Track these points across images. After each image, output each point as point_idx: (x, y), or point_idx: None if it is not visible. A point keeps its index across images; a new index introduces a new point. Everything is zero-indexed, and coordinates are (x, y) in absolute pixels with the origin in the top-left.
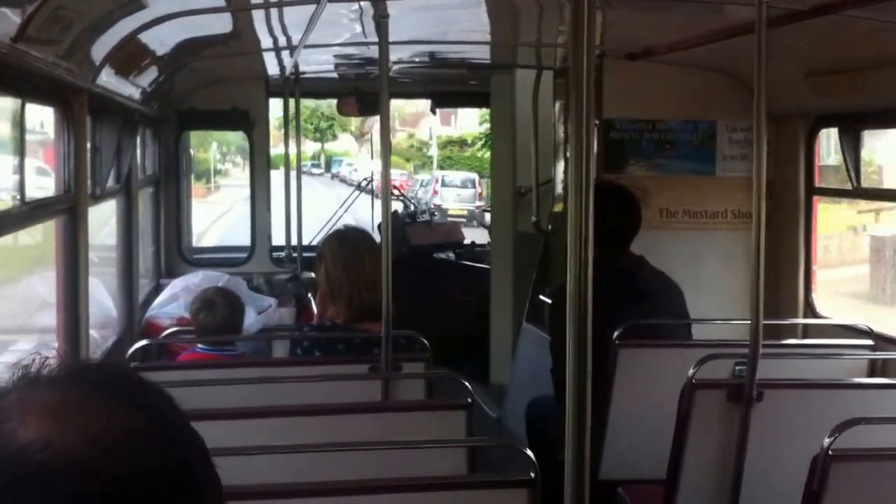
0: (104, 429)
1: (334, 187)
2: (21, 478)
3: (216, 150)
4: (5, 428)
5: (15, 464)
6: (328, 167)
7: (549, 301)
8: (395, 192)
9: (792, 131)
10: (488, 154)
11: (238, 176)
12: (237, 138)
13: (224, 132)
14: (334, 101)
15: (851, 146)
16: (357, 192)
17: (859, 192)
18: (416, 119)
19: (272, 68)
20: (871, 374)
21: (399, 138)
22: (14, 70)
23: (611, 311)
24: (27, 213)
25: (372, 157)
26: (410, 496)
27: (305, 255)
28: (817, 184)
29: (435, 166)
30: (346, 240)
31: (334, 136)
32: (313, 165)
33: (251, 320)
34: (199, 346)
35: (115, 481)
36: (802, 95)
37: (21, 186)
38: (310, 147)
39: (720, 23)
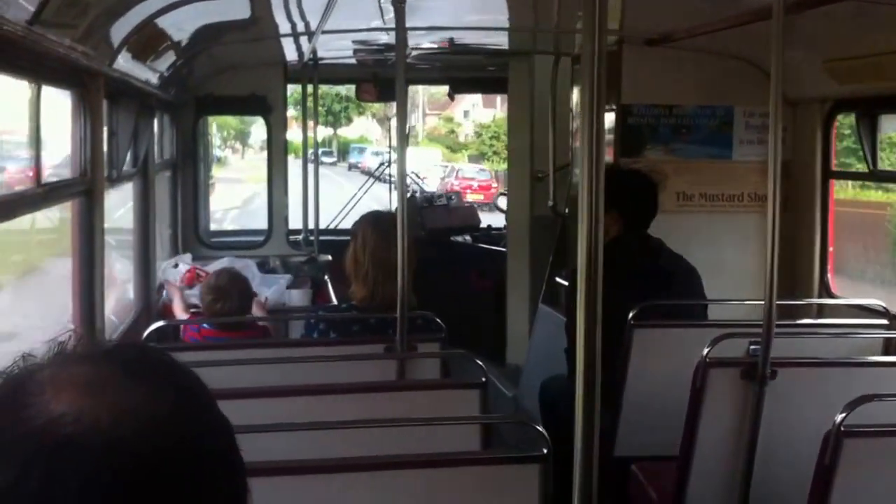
0: (135, 406)
1: (353, 180)
2: (50, 449)
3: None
4: (38, 400)
5: (44, 435)
6: (342, 155)
7: (565, 283)
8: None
9: (809, 115)
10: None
11: (237, 167)
12: (236, 122)
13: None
14: (352, 86)
15: (868, 130)
16: (376, 178)
17: (876, 175)
18: (447, 102)
19: (290, 54)
20: (886, 352)
21: (435, 124)
22: (30, 53)
23: (629, 291)
24: (43, 195)
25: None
26: (425, 472)
27: (322, 238)
28: (833, 167)
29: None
30: (380, 225)
31: (349, 120)
32: (324, 153)
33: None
34: (205, 325)
35: (142, 457)
36: (820, 80)
37: (37, 168)
38: (319, 132)
39: (738, 8)
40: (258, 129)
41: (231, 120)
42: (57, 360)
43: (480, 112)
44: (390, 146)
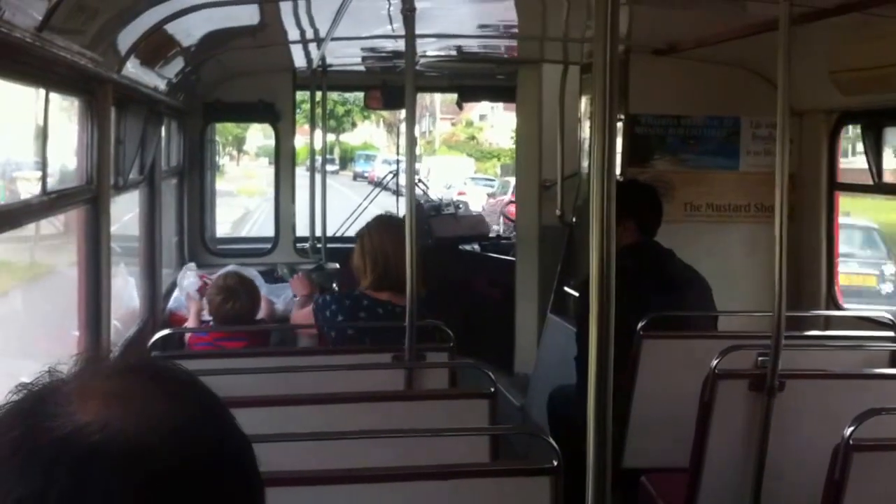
0: (161, 416)
1: (359, 191)
2: (76, 457)
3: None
4: (65, 409)
5: (71, 443)
6: (344, 164)
7: (575, 293)
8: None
9: (815, 127)
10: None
11: (231, 175)
12: (232, 127)
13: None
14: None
15: (873, 142)
16: (384, 187)
17: (881, 188)
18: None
19: (299, 60)
20: (894, 365)
21: (452, 129)
22: (38, 59)
23: (639, 300)
24: (49, 203)
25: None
26: (433, 483)
27: (330, 245)
28: (839, 179)
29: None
30: (391, 226)
31: (353, 125)
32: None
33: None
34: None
35: (168, 467)
36: (826, 92)
37: (43, 176)
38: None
39: (745, 19)
40: (254, 133)
41: (228, 125)
42: (82, 374)
43: (501, 115)
44: (398, 153)
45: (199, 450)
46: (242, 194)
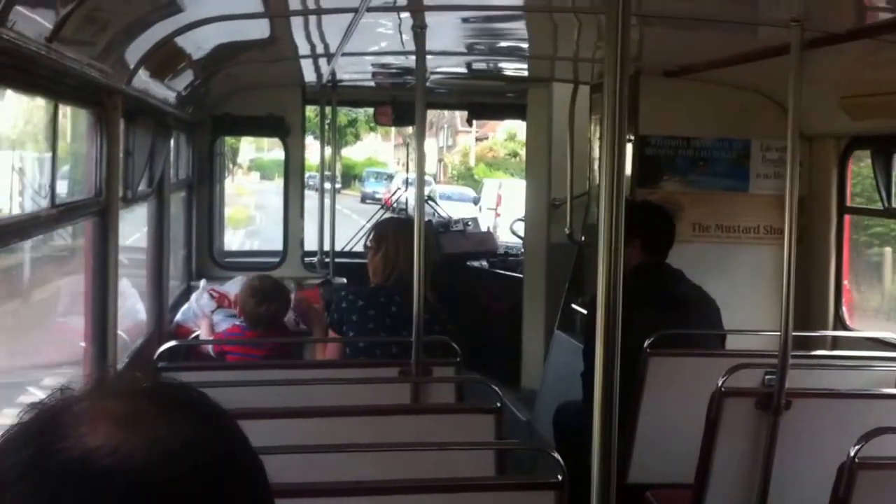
0: (170, 441)
1: (368, 216)
2: (85, 481)
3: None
4: (75, 432)
5: (81, 467)
6: (347, 181)
7: (584, 310)
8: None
9: (824, 151)
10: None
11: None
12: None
13: None
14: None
15: (883, 167)
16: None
17: (891, 213)
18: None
19: (309, 75)
20: None
21: (490, 144)
22: (48, 71)
23: (648, 319)
24: (57, 215)
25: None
26: (439, 497)
27: (338, 260)
28: (848, 203)
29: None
30: (406, 229)
31: (356, 138)
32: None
33: None
34: (236, 322)
35: (176, 492)
36: (836, 117)
37: (52, 189)
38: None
39: (756, 43)
40: (246, 146)
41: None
42: (94, 394)
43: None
44: (407, 170)
45: (208, 474)
46: (230, 222)
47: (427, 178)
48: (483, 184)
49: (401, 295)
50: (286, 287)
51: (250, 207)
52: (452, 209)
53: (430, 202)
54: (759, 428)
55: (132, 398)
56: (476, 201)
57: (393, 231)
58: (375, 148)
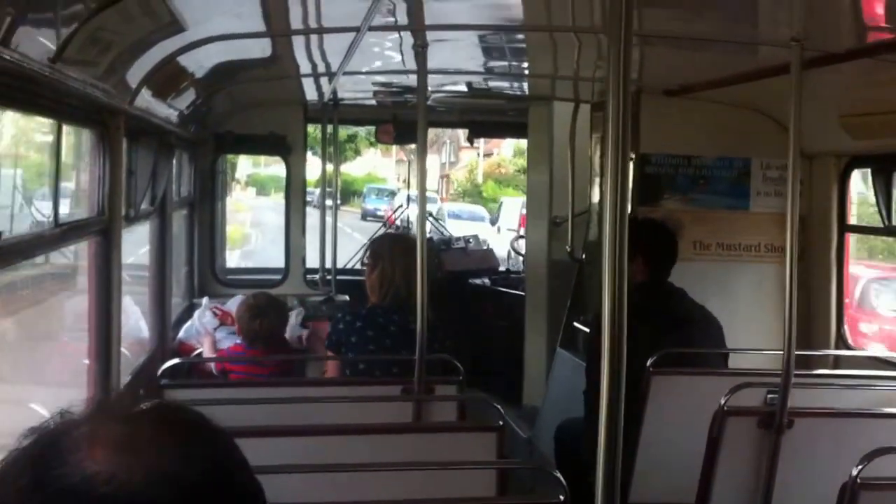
0: (168, 467)
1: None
2: None
3: None
4: (73, 457)
5: (79, 493)
6: (347, 197)
7: (585, 328)
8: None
9: (825, 169)
10: None
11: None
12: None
13: None
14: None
15: (883, 186)
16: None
17: (891, 231)
18: None
19: (311, 93)
20: None
21: (498, 160)
22: (51, 91)
23: (649, 337)
24: (60, 235)
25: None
26: None
27: (340, 277)
28: (849, 221)
29: None
30: (405, 245)
31: (356, 153)
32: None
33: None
34: (237, 341)
35: None
36: (836, 136)
37: (55, 207)
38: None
39: (756, 63)
40: (243, 160)
41: None
42: (93, 418)
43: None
44: (409, 187)
45: (206, 497)
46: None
47: (432, 195)
48: (502, 203)
49: (398, 314)
50: (282, 302)
51: (246, 225)
52: (463, 229)
53: (436, 221)
54: (761, 447)
55: (131, 422)
56: (493, 221)
57: (389, 247)
58: (375, 163)
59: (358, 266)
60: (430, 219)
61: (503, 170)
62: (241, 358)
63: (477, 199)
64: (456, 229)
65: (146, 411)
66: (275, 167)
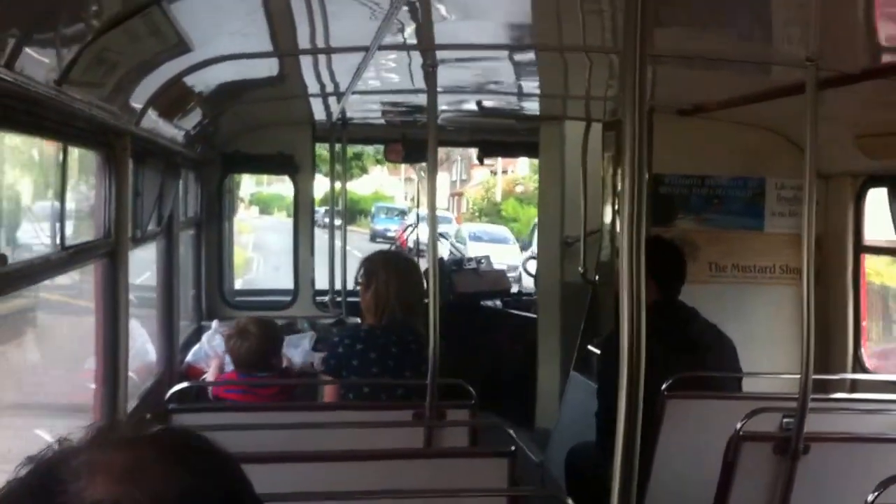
0: (172, 490)
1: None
2: None
3: None
4: (73, 486)
5: None
6: (353, 216)
7: (598, 351)
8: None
9: (841, 189)
10: None
11: None
12: None
13: None
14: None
15: None
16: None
17: None
18: None
19: (319, 113)
20: None
21: (515, 177)
22: (56, 113)
23: (662, 360)
24: (67, 258)
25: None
26: None
27: (350, 299)
28: (865, 241)
29: None
30: (397, 263)
31: (362, 170)
32: (327, 213)
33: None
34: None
35: None
36: (852, 155)
37: (61, 231)
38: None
39: (770, 83)
40: (246, 179)
41: None
42: (94, 445)
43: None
44: (417, 205)
45: None
46: None
47: (446, 214)
48: (535, 224)
49: (398, 334)
50: (274, 326)
51: (247, 248)
52: (486, 252)
53: (457, 243)
54: (777, 473)
55: (132, 448)
56: (526, 245)
57: (382, 265)
58: (382, 181)
59: None
60: (450, 241)
61: (522, 187)
62: (246, 381)
63: (495, 218)
64: (477, 251)
65: (149, 437)
66: (277, 185)
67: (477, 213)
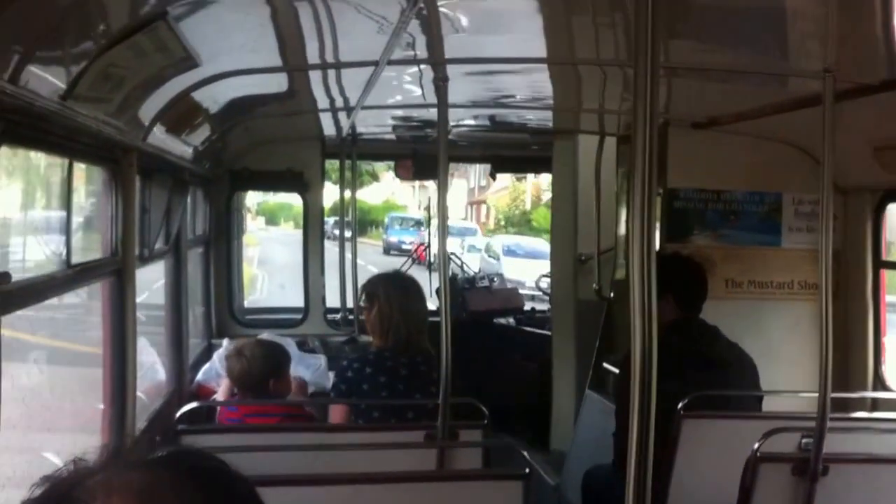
0: None
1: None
2: None
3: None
4: None
5: None
6: (363, 227)
7: (615, 369)
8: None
9: (859, 204)
10: None
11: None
12: None
13: None
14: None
15: None
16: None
17: None
18: None
19: (328, 129)
20: None
21: (539, 183)
22: (62, 129)
23: (681, 378)
24: (73, 276)
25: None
26: None
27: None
28: (884, 256)
29: None
30: (398, 282)
31: (373, 178)
32: (336, 224)
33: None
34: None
35: None
36: (870, 169)
37: (67, 249)
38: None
39: (786, 95)
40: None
41: None
42: (108, 466)
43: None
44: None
45: None
46: None
47: (470, 226)
48: None
49: (406, 356)
50: (277, 348)
51: (252, 264)
52: (524, 269)
53: (489, 258)
54: (796, 495)
55: (147, 469)
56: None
57: (382, 285)
58: (394, 189)
59: None
60: (483, 255)
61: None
62: (258, 402)
63: (524, 229)
64: (515, 271)
65: (164, 458)
66: (283, 195)
67: (503, 223)
